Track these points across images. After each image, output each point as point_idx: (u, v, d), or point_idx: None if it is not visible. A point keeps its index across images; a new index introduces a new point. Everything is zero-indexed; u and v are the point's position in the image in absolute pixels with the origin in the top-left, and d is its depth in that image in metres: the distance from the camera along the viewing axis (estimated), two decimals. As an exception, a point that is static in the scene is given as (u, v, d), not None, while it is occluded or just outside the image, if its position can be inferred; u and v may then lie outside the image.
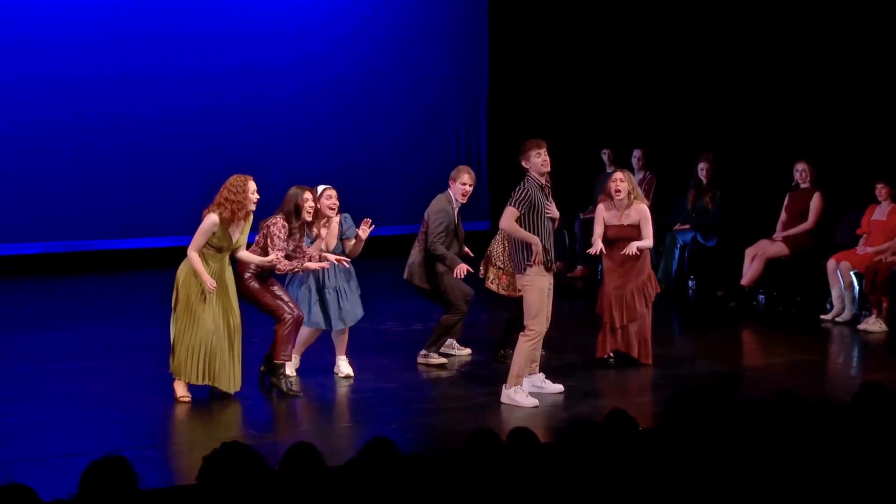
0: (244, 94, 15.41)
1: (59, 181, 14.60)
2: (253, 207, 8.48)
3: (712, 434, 5.05)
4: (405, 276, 9.97)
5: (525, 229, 8.51)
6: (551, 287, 8.66)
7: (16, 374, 9.47)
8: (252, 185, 8.45)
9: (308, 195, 8.83)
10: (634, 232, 9.67)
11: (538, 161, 8.58)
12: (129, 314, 12.18)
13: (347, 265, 9.19)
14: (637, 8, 15.27)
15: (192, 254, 8.37)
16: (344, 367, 9.33)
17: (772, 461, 5.06)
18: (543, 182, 8.61)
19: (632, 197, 9.70)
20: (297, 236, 8.83)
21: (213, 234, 8.35)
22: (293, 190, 8.85)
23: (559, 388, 8.89)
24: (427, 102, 16.44)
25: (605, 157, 14.62)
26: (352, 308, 9.26)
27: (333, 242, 9.18)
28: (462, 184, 9.78)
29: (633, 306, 9.69)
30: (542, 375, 8.89)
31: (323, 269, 9.03)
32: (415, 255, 9.90)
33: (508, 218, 8.55)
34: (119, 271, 14.68)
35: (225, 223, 8.36)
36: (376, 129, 16.18)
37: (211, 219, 8.34)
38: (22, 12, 14.41)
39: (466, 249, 10.02)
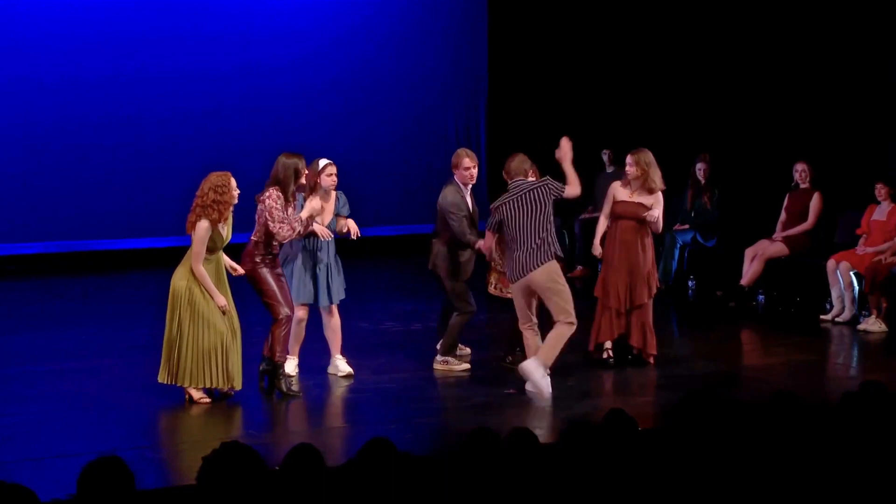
0: (244, 95, 15.41)
1: (57, 181, 14.60)
2: (236, 202, 8.48)
3: (711, 434, 5.05)
4: (430, 266, 9.85)
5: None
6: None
7: (15, 374, 9.47)
8: (234, 182, 8.45)
9: (301, 162, 8.84)
10: (642, 210, 9.64)
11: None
12: (128, 314, 12.17)
13: (330, 237, 9.17)
14: (636, 8, 15.27)
15: (200, 269, 8.33)
16: (342, 365, 9.32)
17: (770, 461, 5.06)
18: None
19: (649, 182, 9.65)
20: (293, 203, 8.83)
21: (210, 238, 8.35)
22: (286, 159, 8.79)
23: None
24: (426, 103, 16.44)
25: (605, 158, 14.62)
26: (337, 287, 9.28)
27: (329, 217, 9.19)
28: (465, 169, 9.67)
29: (636, 292, 9.65)
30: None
31: (319, 244, 9.12)
32: (437, 247, 9.78)
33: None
34: (118, 271, 14.68)
35: (214, 224, 8.36)
36: (375, 129, 16.17)
37: (202, 226, 8.30)
38: (22, 12, 14.41)
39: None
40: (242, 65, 15.40)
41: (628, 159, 9.77)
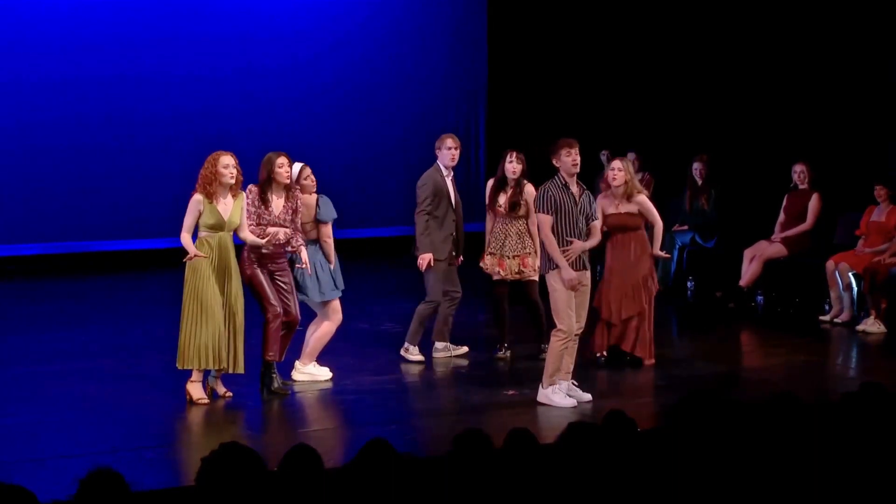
0: (243, 95, 15.42)
1: (57, 182, 14.61)
2: (229, 181, 8.45)
3: (711, 435, 5.05)
4: (413, 250, 9.94)
5: (556, 231, 8.51)
6: (585, 285, 8.60)
7: (14, 374, 9.47)
8: (224, 160, 8.45)
9: (283, 158, 8.82)
10: (634, 220, 9.66)
11: (568, 160, 8.57)
12: (128, 315, 12.18)
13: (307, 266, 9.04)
14: (635, 9, 15.28)
15: (183, 236, 8.42)
16: (298, 374, 9.31)
17: (770, 462, 5.06)
18: (571, 181, 8.58)
19: (630, 187, 9.68)
20: (279, 202, 8.82)
21: (200, 212, 8.37)
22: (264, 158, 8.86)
23: (588, 396, 8.71)
24: (425, 103, 16.45)
25: (603, 158, 14.62)
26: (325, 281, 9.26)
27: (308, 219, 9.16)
28: (448, 148, 9.83)
29: (633, 301, 9.67)
30: (569, 383, 8.73)
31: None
32: (417, 227, 9.91)
33: (545, 226, 8.53)
34: (117, 272, 14.69)
35: (208, 199, 8.37)
36: (375, 130, 16.18)
37: (194, 197, 8.44)
38: (20, 13, 14.41)
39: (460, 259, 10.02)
40: (242, 66, 15.41)
41: (616, 164, 9.78)
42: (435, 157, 10.01)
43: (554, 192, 8.54)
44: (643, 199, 9.73)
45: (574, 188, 8.59)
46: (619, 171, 9.74)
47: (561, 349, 8.52)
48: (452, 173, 9.89)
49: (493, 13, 16.60)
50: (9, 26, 14.37)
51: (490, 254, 9.90)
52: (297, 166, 9.12)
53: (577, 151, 8.57)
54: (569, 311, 8.47)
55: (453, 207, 9.86)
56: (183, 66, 15.12)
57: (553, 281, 8.53)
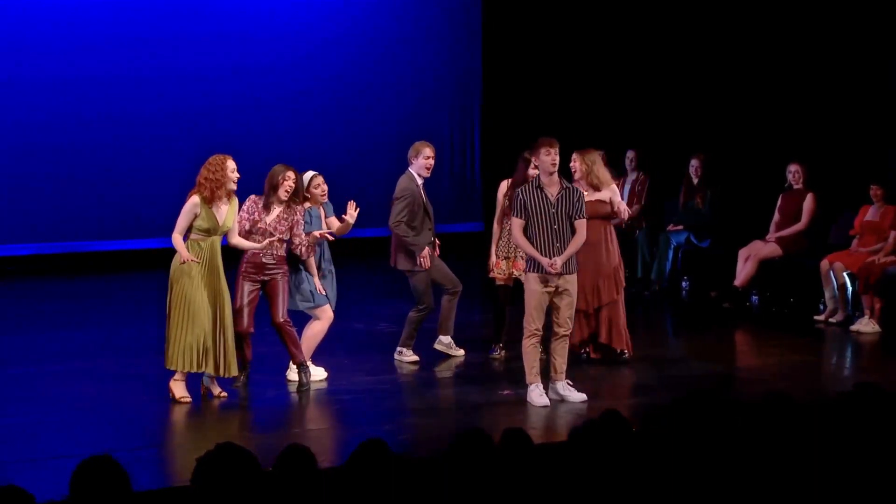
0: (238, 95, 15.41)
1: (56, 182, 14.60)
2: (233, 187, 8.49)
3: (706, 435, 5.07)
4: (391, 262, 10.00)
5: (530, 234, 8.57)
6: (565, 290, 8.60)
7: (11, 375, 9.49)
8: (231, 164, 8.49)
9: (290, 173, 8.83)
10: (603, 207, 9.63)
11: (547, 160, 8.60)
12: (124, 315, 12.19)
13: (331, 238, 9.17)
14: (631, 8, 15.29)
15: (175, 236, 8.43)
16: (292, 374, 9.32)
17: (765, 462, 5.08)
18: (548, 181, 8.61)
19: (592, 178, 9.67)
20: (296, 217, 8.84)
21: (196, 215, 8.38)
22: (273, 169, 8.88)
23: (583, 396, 8.75)
24: (421, 104, 16.44)
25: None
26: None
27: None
28: (425, 158, 9.82)
29: (604, 291, 9.67)
30: (563, 383, 8.80)
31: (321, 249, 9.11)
32: (394, 239, 9.94)
33: (516, 229, 8.67)
34: (114, 272, 14.68)
35: (206, 203, 8.38)
36: (369, 130, 16.17)
37: (192, 200, 8.42)
38: (21, 13, 14.41)
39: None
40: (236, 65, 15.40)
41: (573, 156, 9.77)
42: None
43: (525, 196, 8.60)
44: (616, 189, 9.79)
45: (551, 188, 8.60)
46: (573, 161, 9.70)
47: (529, 347, 8.61)
48: (423, 181, 9.90)
49: (488, 12, 16.60)
50: (9, 26, 14.38)
51: (506, 258, 9.86)
52: (308, 175, 9.12)
53: (557, 151, 8.60)
54: (534, 313, 8.56)
55: (429, 217, 9.88)
56: (178, 66, 15.10)
57: (526, 282, 8.67)
